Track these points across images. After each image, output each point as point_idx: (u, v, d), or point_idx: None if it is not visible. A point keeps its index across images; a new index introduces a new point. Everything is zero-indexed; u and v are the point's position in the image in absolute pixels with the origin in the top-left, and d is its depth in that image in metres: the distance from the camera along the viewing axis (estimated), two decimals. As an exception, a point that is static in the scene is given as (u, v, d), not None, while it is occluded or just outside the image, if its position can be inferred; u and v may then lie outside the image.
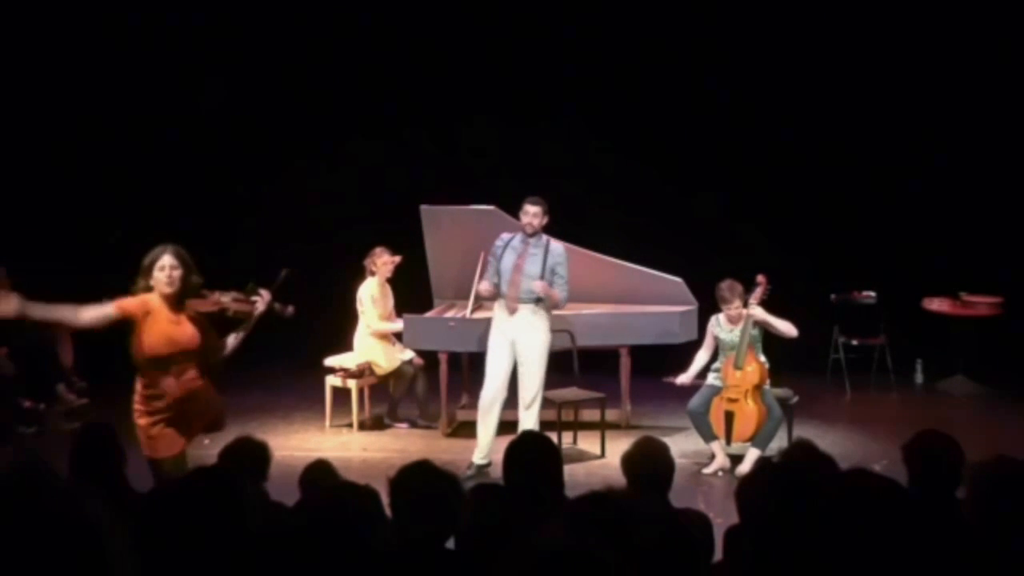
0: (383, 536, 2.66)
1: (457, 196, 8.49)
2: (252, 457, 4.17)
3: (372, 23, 10.38)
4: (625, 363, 8.36)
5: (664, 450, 4.12)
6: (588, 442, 7.87)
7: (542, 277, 7.18)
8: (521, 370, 7.26)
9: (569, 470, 4.42)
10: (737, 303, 7.31)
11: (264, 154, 10.45)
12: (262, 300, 5.21)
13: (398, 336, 8.44)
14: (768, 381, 7.40)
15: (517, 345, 7.24)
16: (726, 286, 7.35)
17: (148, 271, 4.94)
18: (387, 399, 8.66)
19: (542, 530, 2.73)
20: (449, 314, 8.33)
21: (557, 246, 7.34)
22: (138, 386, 5.01)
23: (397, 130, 10.41)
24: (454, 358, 8.41)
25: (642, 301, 8.38)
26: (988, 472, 3.20)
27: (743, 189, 10.18)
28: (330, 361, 8.61)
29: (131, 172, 10.32)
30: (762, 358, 7.38)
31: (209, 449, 5.06)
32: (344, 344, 8.60)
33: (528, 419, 7.18)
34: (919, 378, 10.08)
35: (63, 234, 9.80)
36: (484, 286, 7.40)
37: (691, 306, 8.30)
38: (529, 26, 10.27)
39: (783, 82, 10.13)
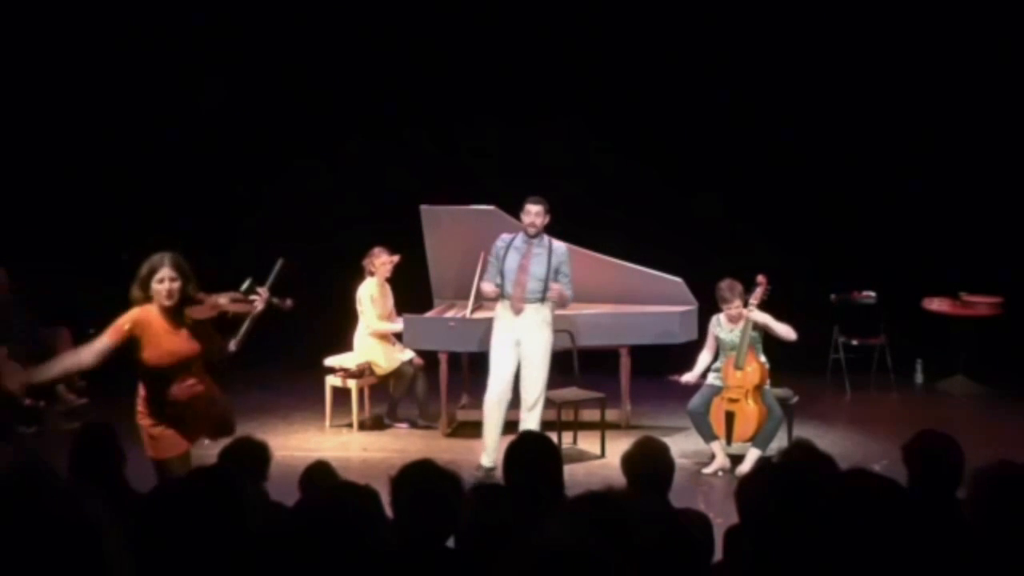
0: (383, 536, 2.65)
1: (457, 196, 8.48)
2: (252, 457, 4.17)
3: (372, 23, 10.37)
4: (625, 363, 8.37)
5: (664, 450, 4.13)
6: (588, 442, 7.87)
7: (547, 277, 7.19)
8: (525, 371, 7.24)
9: (569, 470, 4.41)
10: (737, 303, 7.31)
11: (264, 154, 10.45)
12: (260, 299, 5.20)
13: (398, 336, 8.43)
14: (768, 381, 7.41)
15: (522, 345, 7.23)
16: (726, 286, 7.35)
17: (146, 282, 4.87)
18: (387, 399, 8.66)
19: (542, 530, 2.73)
20: (449, 314, 8.32)
21: (560, 245, 7.35)
22: (140, 390, 5.01)
23: (397, 130, 10.40)
24: (454, 358, 8.41)
25: (642, 301, 8.39)
26: (991, 476, 3.19)
27: (743, 189, 10.17)
28: (330, 361, 8.61)
29: (131, 172, 10.32)
30: (762, 358, 7.38)
31: (209, 449, 5.06)
32: (344, 344, 8.60)
33: (531, 420, 7.16)
34: (919, 378, 10.08)
35: (63, 234, 9.80)
36: (487, 287, 7.38)
37: (691, 306, 8.30)
38: (529, 26, 10.26)
39: (783, 82, 10.12)
